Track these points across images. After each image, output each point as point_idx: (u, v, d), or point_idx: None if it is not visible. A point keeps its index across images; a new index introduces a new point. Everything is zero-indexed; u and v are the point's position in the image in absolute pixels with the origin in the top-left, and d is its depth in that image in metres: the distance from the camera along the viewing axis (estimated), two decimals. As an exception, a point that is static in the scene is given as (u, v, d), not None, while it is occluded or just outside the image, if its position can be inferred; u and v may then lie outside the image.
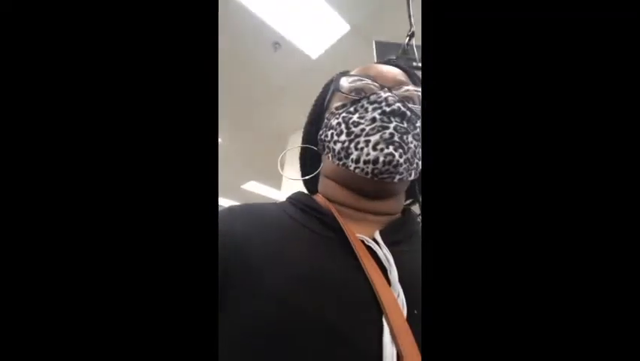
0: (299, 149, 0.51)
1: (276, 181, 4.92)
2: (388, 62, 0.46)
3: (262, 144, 3.85)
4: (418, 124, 0.39)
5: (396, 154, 0.36)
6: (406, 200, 0.49)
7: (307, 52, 2.32)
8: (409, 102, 0.40)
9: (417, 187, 0.48)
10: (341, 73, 0.47)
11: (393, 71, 0.43)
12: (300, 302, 0.28)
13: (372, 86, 0.41)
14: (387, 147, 0.36)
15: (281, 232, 0.35)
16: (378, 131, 0.36)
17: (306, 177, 0.49)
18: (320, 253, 0.33)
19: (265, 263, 0.31)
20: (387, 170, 0.36)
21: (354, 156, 0.37)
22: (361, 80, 0.41)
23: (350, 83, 0.42)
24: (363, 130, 0.37)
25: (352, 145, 0.37)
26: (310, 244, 0.34)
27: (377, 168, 0.36)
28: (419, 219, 0.44)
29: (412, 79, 0.44)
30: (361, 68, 0.45)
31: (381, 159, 0.35)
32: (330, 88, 0.48)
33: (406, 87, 0.41)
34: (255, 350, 0.26)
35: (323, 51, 2.28)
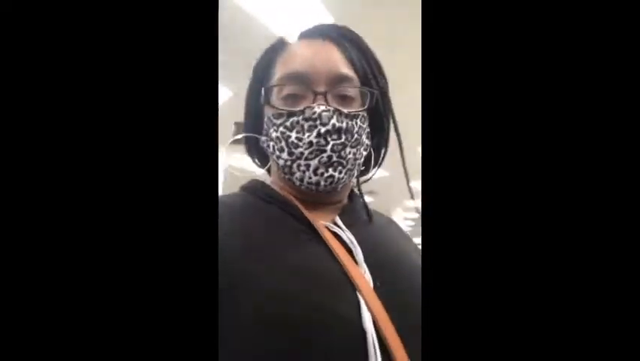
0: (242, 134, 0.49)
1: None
2: (319, 32, 0.43)
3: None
4: (356, 126, 0.40)
5: (336, 174, 0.39)
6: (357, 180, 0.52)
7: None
8: (348, 104, 0.40)
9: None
10: (278, 40, 0.44)
11: (331, 61, 0.40)
12: (290, 289, 0.31)
13: (304, 92, 0.39)
14: (327, 171, 0.38)
15: (252, 225, 0.38)
16: (316, 155, 0.38)
17: (262, 170, 0.49)
18: (294, 244, 0.36)
19: (247, 257, 0.33)
20: (330, 187, 0.40)
21: (297, 176, 0.40)
22: (293, 86, 0.40)
23: (281, 90, 0.40)
24: (302, 153, 0.39)
25: (295, 165, 0.39)
26: (284, 236, 0.37)
27: (320, 188, 0.39)
28: (361, 200, 0.48)
29: (351, 57, 0.41)
30: (291, 52, 0.42)
31: (322, 183, 0.39)
32: (266, 69, 0.44)
33: (342, 86, 0.40)
34: (254, 338, 0.29)
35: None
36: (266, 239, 0.36)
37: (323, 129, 0.37)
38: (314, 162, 0.38)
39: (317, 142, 0.38)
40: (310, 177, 0.39)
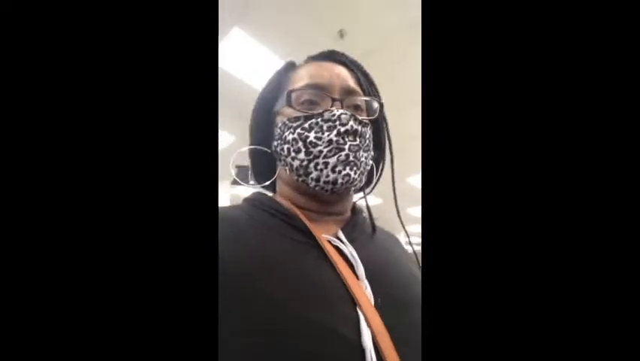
0: (247, 150, 0.51)
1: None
2: (330, 56, 0.48)
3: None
4: (367, 133, 0.43)
5: (352, 173, 0.40)
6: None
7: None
8: (359, 114, 0.43)
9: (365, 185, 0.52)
10: (288, 63, 0.49)
11: (341, 76, 0.44)
12: (289, 304, 0.31)
13: (321, 99, 0.42)
14: (345, 169, 0.40)
15: (255, 238, 0.38)
16: (335, 153, 0.40)
17: (266, 184, 0.50)
18: (296, 257, 0.36)
19: (249, 269, 0.33)
20: (345, 188, 0.41)
21: (313, 176, 0.41)
22: (311, 92, 0.43)
23: (298, 94, 0.43)
24: (321, 152, 0.40)
25: (312, 165, 0.41)
26: (286, 249, 0.37)
27: (336, 187, 0.40)
28: (364, 214, 0.50)
29: (356, 75, 0.46)
30: (308, 69, 0.46)
31: (340, 180, 0.40)
32: (276, 89, 0.48)
33: (353, 97, 0.44)
34: (249, 353, 0.28)
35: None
36: (267, 251, 0.36)
37: (342, 129, 0.40)
38: (333, 160, 0.40)
39: (337, 140, 0.40)
40: (328, 175, 0.40)
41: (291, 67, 0.49)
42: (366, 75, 0.48)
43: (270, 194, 0.47)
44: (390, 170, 0.49)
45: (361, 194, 0.51)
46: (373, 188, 0.51)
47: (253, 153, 0.50)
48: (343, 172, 0.40)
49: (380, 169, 0.50)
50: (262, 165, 0.50)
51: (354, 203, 0.51)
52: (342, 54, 0.49)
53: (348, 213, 0.48)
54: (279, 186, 0.48)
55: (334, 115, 0.40)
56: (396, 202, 0.47)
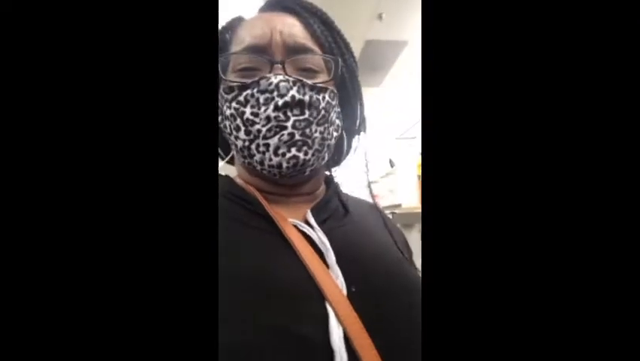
0: None
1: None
2: (279, 4, 0.39)
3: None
4: (323, 101, 0.35)
5: (301, 155, 0.33)
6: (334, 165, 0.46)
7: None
8: (309, 76, 0.35)
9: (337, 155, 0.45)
10: (225, 27, 0.40)
11: (285, 32, 0.35)
12: (242, 307, 0.27)
13: (260, 63, 0.34)
14: (290, 150, 0.33)
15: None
16: (276, 133, 0.33)
17: (221, 163, 0.43)
18: (256, 248, 0.32)
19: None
20: (294, 170, 0.34)
21: (257, 159, 0.34)
22: (248, 56, 0.35)
23: (237, 62, 0.35)
24: (259, 131, 0.33)
25: (253, 146, 0.34)
26: (244, 239, 0.32)
27: (282, 171, 0.34)
28: (339, 188, 0.44)
29: (311, 27, 0.37)
30: (247, 25, 0.38)
31: (285, 164, 0.33)
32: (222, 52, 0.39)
33: (303, 56, 0.35)
34: None
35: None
36: (224, 244, 0.30)
37: (281, 101, 0.32)
38: (273, 141, 0.33)
39: (275, 117, 0.32)
40: (271, 159, 0.33)
41: (238, 21, 0.40)
42: (327, 24, 0.38)
43: (234, 174, 0.42)
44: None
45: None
46: (341, 162, 0.44)
47: None
48: (288, 155, 0.33)
49: (353, 139, 0.43)
50: (222, 143, 0.42)
51: (329, 176, 0.44)
52: (303, 2, 0.38)
53: (322, 189, 0.42)
54: (237, 167, 0.42)
55: (271, 83, 0.32)
56: (368, 178, 0.41)
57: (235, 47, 0.37)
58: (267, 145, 0.33)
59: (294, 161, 0.33)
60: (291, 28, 0.36)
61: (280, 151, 0.33)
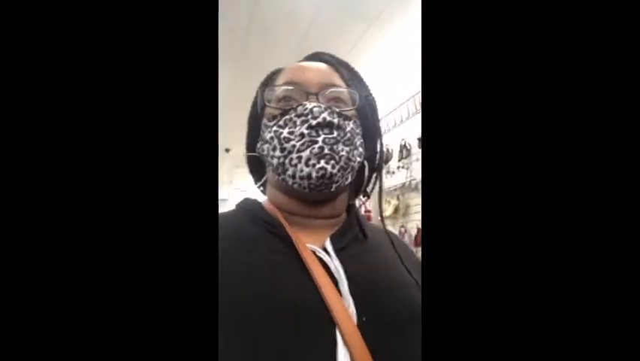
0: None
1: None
2: (315, 57, 0.48)
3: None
4: (349, 126, 0.41)
5: (328, 167, 0.38)
6: (356, 196, 0.51)
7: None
8: (337, 105, 0.42)
9: (364, 181, 0.49)
10: (271, 73, 0.49)
11: (319, 71, 0.44)
12: (257, 326, 0.29)
13: (298, 94, 0.42)
14: (319, 162, 0.38)
15: (234, 247, 0.37)
16: (308, 146, 0.38)
17: (256, 186, 0.50)
18: (274, 271, 0.35)
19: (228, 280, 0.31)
20: (322, 183, 0.39)
21: (290, 172, 0.39)
22: (287, 89, 0.42)
23: (276, 93, 0.43)
24: (294, 146, 0.39)
25: (287, 161, 0.39)
26: (265, 262, 0.35)
27: (312, 183, 0.38)
28: (361, 214, 0.47)
29: (340, 72, 0.45)
30: (289, 69, 0.46)
31: (314, 174, 0.38)
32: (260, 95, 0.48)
33: (332, 89, 0.42)
34: None
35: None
36: (244, 264, 0.34)
37: (314, 122, 0.39)
38: (305, 153, 0.38)
39: (308, 133, 0.39)
40: (302, 170, 0.38)
41: (280, 70, 0.48)
42: (351, 70, 0.47)
43: (263, 198, 0.47)
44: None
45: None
46: (365, 189, 0.48)
47: (248, 159, 0.51)
48: (317, 165, 0.38)
49: (372, 168, 0.47)
50: (255, 170, 0.50)
51: (351, 205, 0.48)
52: (329, 54, 0.48)
53: (343, 216, 0.45)
54: (268, 190, 0.47)
55: (306, 109, 0.39)
56: (381, 204, 0.44)
57: (279, 82, 0.45)
58: (300, 157, 0.39)
59: (322, 172, 0.38)
60: (324, 70, 0.45)
61: (311, 162, 0.38)
